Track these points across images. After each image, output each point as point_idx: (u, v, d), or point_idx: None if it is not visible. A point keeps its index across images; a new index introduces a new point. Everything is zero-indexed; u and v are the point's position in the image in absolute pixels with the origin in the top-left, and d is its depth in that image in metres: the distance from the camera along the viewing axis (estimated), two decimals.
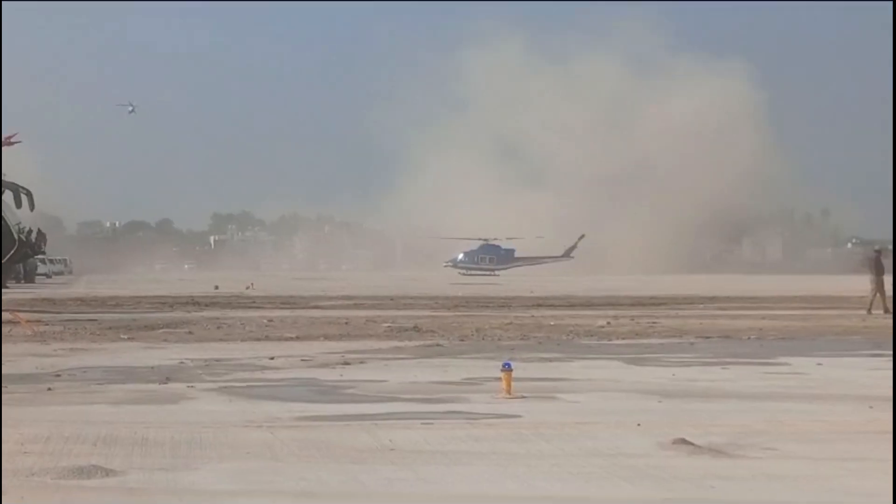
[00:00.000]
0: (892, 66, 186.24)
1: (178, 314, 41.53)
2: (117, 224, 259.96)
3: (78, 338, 29.10)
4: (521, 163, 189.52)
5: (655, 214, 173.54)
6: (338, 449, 12.10)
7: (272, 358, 23.06)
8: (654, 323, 35.58)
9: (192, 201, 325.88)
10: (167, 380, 18.88)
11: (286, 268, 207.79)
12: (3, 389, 17.10)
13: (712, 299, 57.17)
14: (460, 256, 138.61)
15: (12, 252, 42.29)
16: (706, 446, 12.21)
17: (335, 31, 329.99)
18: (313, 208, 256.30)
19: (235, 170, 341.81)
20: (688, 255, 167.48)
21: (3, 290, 47.26)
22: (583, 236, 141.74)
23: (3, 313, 34.08)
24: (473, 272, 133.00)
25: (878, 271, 43.39)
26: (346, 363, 22.03)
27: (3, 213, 42.34)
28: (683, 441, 12.37)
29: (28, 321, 32.01)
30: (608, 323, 35.17)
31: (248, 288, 73.07)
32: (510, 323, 35.15)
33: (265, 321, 36.07)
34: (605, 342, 28.07)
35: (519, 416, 14.56)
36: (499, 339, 28.60)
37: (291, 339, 28.86)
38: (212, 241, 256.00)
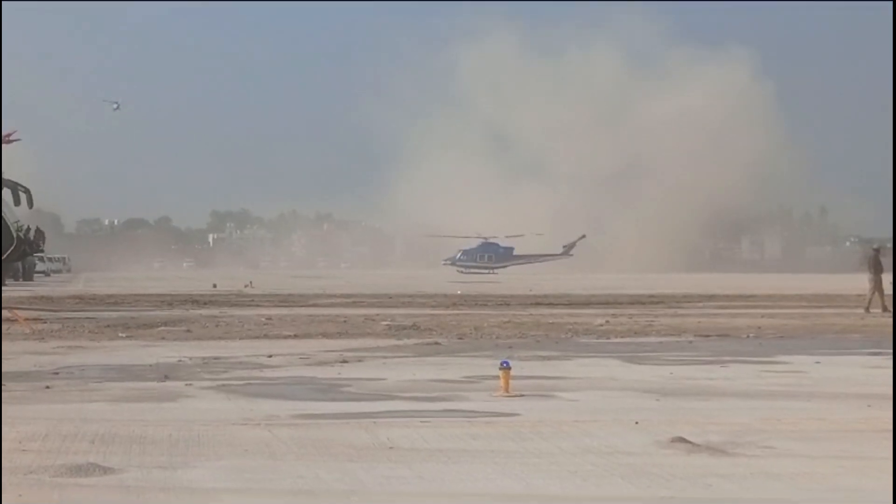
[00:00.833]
0: (892, 65, 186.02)
1: (176, 312, 41.54)
2: (116, 222, 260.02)
3: (76, 336, 29.11)
4: (519, 159, 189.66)
5: (654, 211, 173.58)
6: (336, 447, 12.10)
7: (270, 356, 23.06)
8: (652, 321, 35.58)
9: (191, 199, 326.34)
10: (165, 378, 18.89)
11: (285, 266, 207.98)
12: (2, 388, 17.10)
13: (711, 298, 57.19)
14: (459, 255, 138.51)
15: (11, 250, 42.26)
16: (704, 444, 12.22)
17: (331, 28, 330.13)
18: (312, 206, 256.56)
19: (234, 168, 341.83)
20: (687, 253, 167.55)
21: (3, 288, 47.21)
22: (583, 236, 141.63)
23: (2, 311, 34.07)
24: (472, 270, 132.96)
25: (877, 270, 43.38)
26: (345, 361, 22.04)
27: (2, 212, 42.34)
28: (681, 439, 12.37)
29: (26, 319, 32.01)
30: (606, 321, 35.17)
31: (246, 286, 73.08)
32: (508, 321, 35.16)
33: (264, 319, 36.07)
34: (603, 340, 28.08)
35: (517, 415, 14.57)
36: (497, 338, 28.61)
37: (290, 337, 28.86)
38: (210, 240, 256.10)
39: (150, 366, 21.01)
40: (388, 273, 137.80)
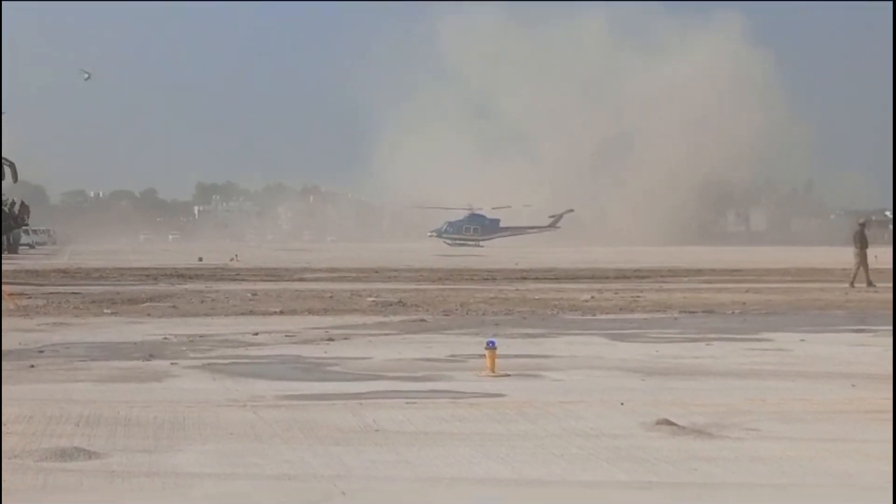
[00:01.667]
0: (891, 37, 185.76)
1: (161, 287, 41.48)
2: (101, 194, 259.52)
3: (61, 312, 29.06)
4: (505, 131, 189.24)
5: (641, 185, 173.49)
6: (321, 429, 12.10)
7: (256, 334, 23.05)
8: (638, 297, 35.62)
9: (177, 171, 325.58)
10: (151, 356, 18.87)
11: (270, 238, 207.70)
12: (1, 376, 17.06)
13: (697, 272, 57.25)
14: (445, 226, 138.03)
15: None
16: (689, 427, 12.24)
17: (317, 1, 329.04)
18: (298, 179, 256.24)
19: (220, 140, 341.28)
20: (673, 226, 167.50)
21: None
22: (571, 210, 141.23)
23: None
24: (458, 242, 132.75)
25: (862, 244, 43.48)
26: (331, 339, 22.03)
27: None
28: (667, 422, 12.39)
29: (11, 294, 31.93)
30: (592, 297, 35.19)
31: (232, 260, 72.96)
32: (494, 297, 35.17)
33: (249, 295, 36.05)
34: (589, 317, 28.10)
35: (503, 395, 14.58)
36: (483, 314, 28.62)
37: (276, 313, 28.84)
38: (196, 212, 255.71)
39: (136, 344, 20.98)
40: (375, 247, 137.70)
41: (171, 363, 18.01)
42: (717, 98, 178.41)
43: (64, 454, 10.61)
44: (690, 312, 29.42)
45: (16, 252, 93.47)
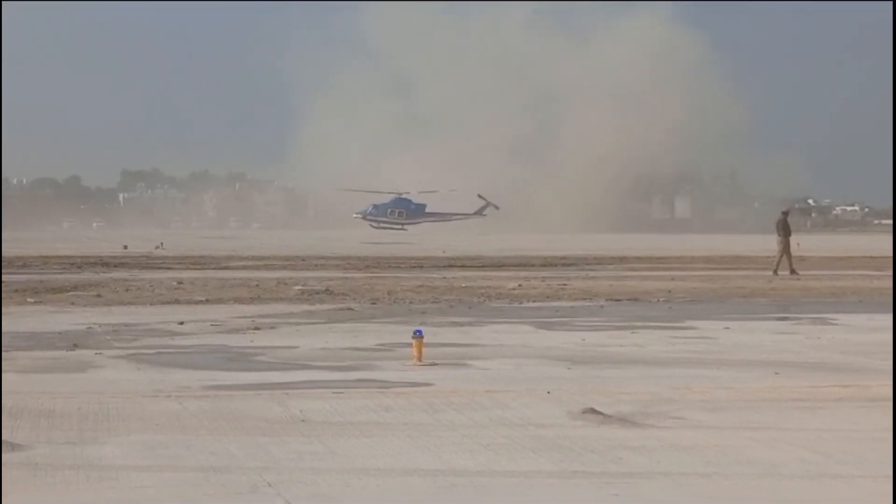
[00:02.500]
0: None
1: (86, 275, 41.11)
2: (24, 181, 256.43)
3: None
4: (430, 115, 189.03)
5: (565, 171, 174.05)
6: (248, 420, 12.05)
7: (182, 323, 22.90)
8: (564, 285, 35.76)
9: (101, 158, 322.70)
10: (75, 346, 18.70)
11: (196, 226, 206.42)
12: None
13: (622, 260, 57.57)
14: (370, 208, 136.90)
15: None
16: (615, 415, 12.31)
17: None
18: (224, 166, 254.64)
19: (145, 127, 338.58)
20: (597, 213, 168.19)
21: None
22: (497, 207, 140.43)
23: None
24: (383, 225, 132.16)
25: (785, 232, 43.89)
26: (257, 328, 21.94)
27: None
28: (593, 410, 12.46)
29: None
30: (519, 285, 35.29)
31: (157, 248, 72.45)
32: (422, 285, 35.17)
33: (175, 283, 35.80)
34: (515, 305, 28.18)
35: (430, 385, 14.59)
36: (410, 303, 28.62)
37: (201, 302, 28.68)
38: (121, 199, 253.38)
39: (59, 333, 20.78)
40: (301, 234, 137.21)
41: (96, 353, 17.86)
42: (642, 85, 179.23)
43: None
44: (616, 300, 29.58)
45: None
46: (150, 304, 28.00)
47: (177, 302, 28.73)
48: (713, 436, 11.36)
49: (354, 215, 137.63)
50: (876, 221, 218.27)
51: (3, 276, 37.57)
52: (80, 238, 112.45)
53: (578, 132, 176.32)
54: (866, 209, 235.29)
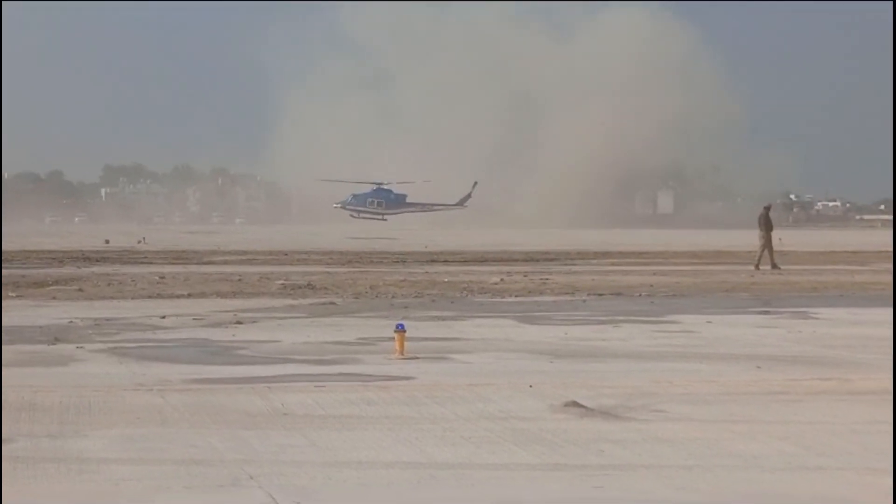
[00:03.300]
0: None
1: (67, 270, 41.00)
2: (6, 175, 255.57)
3: None
4: (411, 111, 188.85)
5: (547, 167, 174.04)
6: (230, 414, 12.03)
7: (164, 317, 22.86)
8: (546, 279, 35.78)
9: (83, 153, 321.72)
10: (56, 340, 18.64)
11: (178, 221, 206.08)
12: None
13: (604, 255, 57.64)
14: (350, 198, 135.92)
15: None
16: (597, 409, 12.33)
17: None
18: (207, 161, 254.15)
19: (128, 122, 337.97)
20: (579, 209, 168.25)
21: None
22: (476, 184, 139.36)
23: None
24: (363, 215, 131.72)
25: (767, 227, 43.99)
26: (239, 322, 21.91)
27: None
28: (575, 403, 12.47)
29: None
30: (501, 280, 35.30)
31: (139, 242, 72.31)
32: (404, 280, 35.16)
33: (157, 278, 35.73)
34: (498, 300, 28.19)
35: (412, 378, 14.59)
36: (392, 297, 28.61)
37: (183, 296, 28.63)
38: (103, 194, 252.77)
39: (41, 327, 20.71)
40: (284, 229, 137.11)
41: (77, 347, 17.81)
42: (625, 81, 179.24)
43: None
44: (598, 295, 29.60)
45: None
46: (132, 299, 27.94)
47: (159, 296, 28.68)
48: (695, 429, 11.37)
49: (334, 205, 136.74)
50: (857, 217, 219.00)
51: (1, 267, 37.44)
52: (62, 233, 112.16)
53: (560, 128, 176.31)
54: (847, 205, 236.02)
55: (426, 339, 18.73)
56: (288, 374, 15.03)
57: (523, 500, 8.66)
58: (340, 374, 15.09)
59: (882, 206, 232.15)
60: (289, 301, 27.28)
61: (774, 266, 42.41)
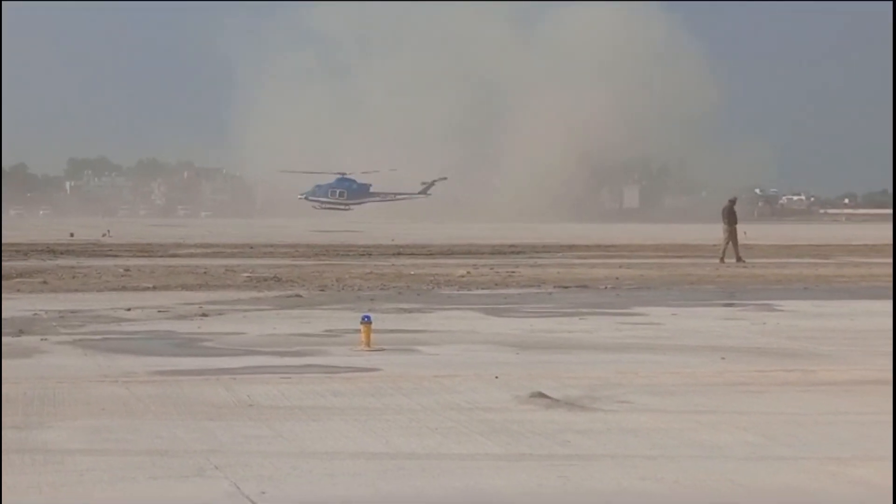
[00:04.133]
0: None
1: (32, 262, 40.81)
2: None
3: None
4: (375, 102, 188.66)
5: (513, 160, 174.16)
6: (195, 405, 12.01)
7: (129, 309, 22.79)
8: (513, 272, 35.83)
9: (48, 146, 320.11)
10: (20, 332, 18.56)
11: (144, 214, 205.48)
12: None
13: (570, 248, 57.73)
14: (314, 189, 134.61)
15: None
16: (563, 399, 12.36)
17: None
18: (172, 154, 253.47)
19: (93, 114, 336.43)
20: (546, 203, 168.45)
21: None
22: (444, 178, 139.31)
23: None
24: (327, 206, 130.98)
25: (731, 220, 44.15)
26: (205, 315, 21.85)
27: None
28: (540, 394, 12.50)
29: None
30: (468, 272, 35.33)
31: (104, 235, 72.02)
32: (370, 272, 35.15)
33: (122, 270, 35.61)
34: (464, 292, 28.22)
35: (378, 370, 14.59)
36: (359, 290, 28.59)
37: (148, 289, 28.54)
38: (67, 187, 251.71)
39: (5, 319, 20.57)
40: (250, 222, 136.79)
41: (42, 339, 17.74)
42: (592, 72, 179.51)
43: None
44: (564, 287, 29.66)
45: None
46: (97, 291, 27.83)
47: (124, 289, 28.58)
48: (659, 419, 11.42)
49: (298, 196, 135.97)
50: (822, 211, 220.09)
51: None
52: (26, 226, 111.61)
53: (525, 120, 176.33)
54: (812, 198, 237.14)
55: (392, 331, 18.74)
56: (254, 365, 15.01)
57: (489, 489, 8.69)
58: (306, 365, 15.08)
59: (846, 200, 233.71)
60: (254, 293, 27.24)
61: (739, 259, 42.59)
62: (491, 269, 37.82)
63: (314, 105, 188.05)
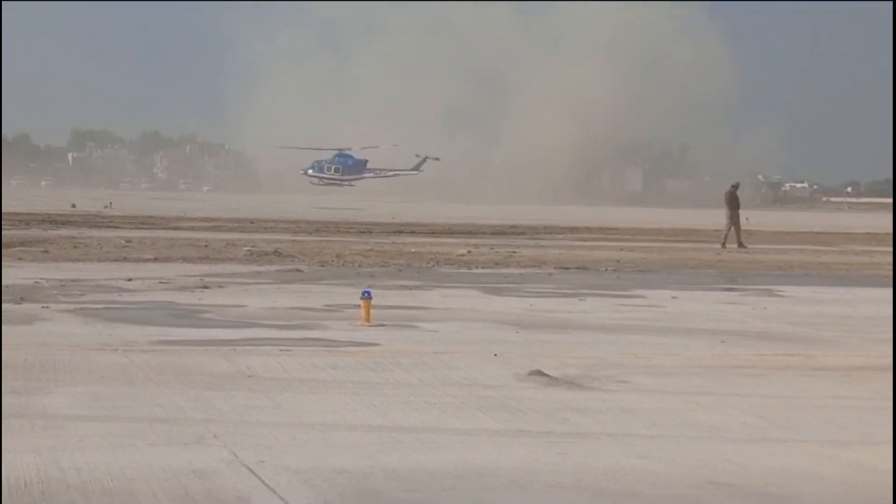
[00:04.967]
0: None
1: (33, 232, 40.84)
2: None
3: None
4: (377, 81, 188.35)
5: (516, 142, 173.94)
6: (194, 375, 12.03)
7: (130, 280, 22.80)
8: (513, 252, 35.83)
9: (51, 116, 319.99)
10: (21, 300, 18.57)
11: (145, 187, 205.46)
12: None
13: (572, 230, 57.73)
14: (312, 165, 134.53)
15: None
16: (561, 378, 12.36)
17: None
18: (175, 128, 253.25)
19: (96, 85, 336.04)
20: (548, 185, 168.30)
21: None
22: (437, 159, 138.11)
23: None
24: (325, 182, 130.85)
25: (734, 206, 44.11)
26: (205, 287, 21.87)
27: None
28: (539, 372, 12.50)
29: None
30: (469, 251, 35.34)
31: (106, 207, 72.07)
32: (371, 249, 35.16)
33: (123, 241, 35.62)
34: (464, 271, 28.22)
35: (378, 345, 14.60)
36: (359, 266, 28.60)
37: (150, 260, 28.56)
38: (70, 158, 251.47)
39: (6, 287, 20.60)
40: (251, 197, 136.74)
41: (43, 307, 17.75)
42: (596, 51, 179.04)
43: None
44: (565, 269, 29.65)
45: None
46: (98, 262, 27.85)
47: (125, 260, 28.59)
48: (658, 399, 11.43)
49: (300, 172, 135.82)
50: (824, 199, 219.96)
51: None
52: (28, 196, 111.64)
53: (527, 99, 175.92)
54: (815, 186, 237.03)
55: (392, 307, 18.73)
56: (253, 337, 15.02)
57: (487, 464, 8.70)
58: (306, 339, 15.09)
59: (849, 189, 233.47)
60: (255, 267, 27.25)
61: (741, 244, 42.58)
62: (491, 248, 37.82)
63: (315, 83, 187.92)
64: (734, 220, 43.81)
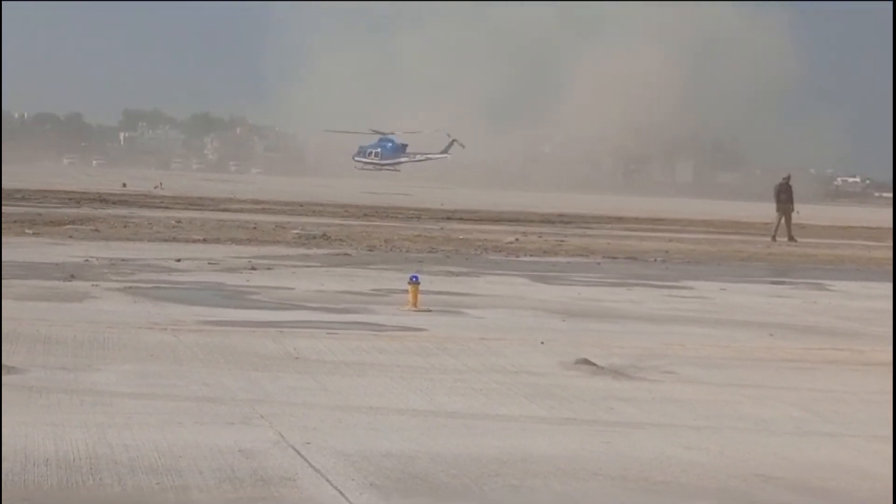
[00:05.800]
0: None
1: (84, 210, 41.10)
2: (25, 115, 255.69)
3: None
4: (420, 63, 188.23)
5: (565, 132, 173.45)
6: (242, 355, 12.08)
7: (179, 260, 22.92)
8: (561, 241, 35.76)
9: (103, 96, 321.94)
10: (72, 277, 18.72)
11: (196, 168, 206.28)
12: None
13: (620, 219, 57.56)
14: (358, 150, 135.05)
15: None
16: (608, 367, 12.34)
17: None
18: (226, 109, 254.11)
19: (148, 66, 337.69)
20: (597, 174, 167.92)
21: None
22: (463, 146, 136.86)
23: None
24: (367, 167, 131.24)
25: (785, 199, 43.80)
26: (253, 268, 21.95)
27: None
28: (586, 361, 12.49)
29: None
30: (517, 239, 35.30)
31: (156, 187, 72.41)
32: (419, 235, 35.18)
33: (173, 222, 35.80)
34: (512, 258, 28.19)
35: (424, 330, 14.61)
36: (407, 251, 28.63)
37: (199, 241, 28.69)
38: (121, 138, 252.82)
39: (56, 265, 20.78)
40: (301, 180, 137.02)
41: (93, 285, 17.88)
42: (647, 45, 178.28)
43: None
44: (613, 258, 29.58)
45: None
46: (148, 241, 28.01)
47: (174, 240, 28.74)
48: (705, 391, 11.40)
49: (352, 158, 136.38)
50: (877, 194, 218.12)
51: (2, 207, 37.53)
52: (80, 174, 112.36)
53: (576, 85, 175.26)
54: (867, 181, 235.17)
55: (439, 293, 18.74)
56: (300, 320, 15.07)
57: (533, 451, 8.70)
58: (353, 322, 15.13)
59: None
60: (303, 250, 27.33)
61: (791, 238, 42.31)
62: (539, 236, 37.77)
63: (361, 67, 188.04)
64: (785, 213, 43.53)
